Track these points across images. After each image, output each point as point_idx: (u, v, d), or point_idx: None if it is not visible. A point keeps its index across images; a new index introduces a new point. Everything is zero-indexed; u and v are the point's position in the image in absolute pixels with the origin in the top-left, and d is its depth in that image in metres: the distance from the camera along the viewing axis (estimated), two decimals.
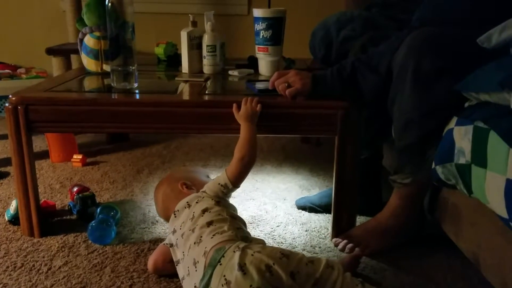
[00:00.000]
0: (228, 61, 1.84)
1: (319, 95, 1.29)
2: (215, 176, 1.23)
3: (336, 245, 1.32)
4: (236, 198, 1.61)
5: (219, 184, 1.18)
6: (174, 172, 1.40)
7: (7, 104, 1.27)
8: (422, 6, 1.27)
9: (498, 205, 0.90)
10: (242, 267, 0.92)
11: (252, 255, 0.94)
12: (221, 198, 1.17)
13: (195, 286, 0.99)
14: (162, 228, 1.41)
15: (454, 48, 1.12)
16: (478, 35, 1.02)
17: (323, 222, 1.48)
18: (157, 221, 1.46)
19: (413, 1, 1.30)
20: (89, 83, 1.56)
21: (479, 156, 0.96)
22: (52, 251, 1.29)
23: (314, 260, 0.99)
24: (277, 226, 1.45)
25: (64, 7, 2.63)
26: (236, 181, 1.18)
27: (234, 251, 0.96)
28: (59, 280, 1.15)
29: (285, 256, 0.96)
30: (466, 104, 1.08)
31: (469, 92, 1.04)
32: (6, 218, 1.44)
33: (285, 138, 2.33)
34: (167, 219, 1.25)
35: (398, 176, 1.25)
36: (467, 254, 1.11)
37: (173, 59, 1.89)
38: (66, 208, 1.54)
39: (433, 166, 1.13)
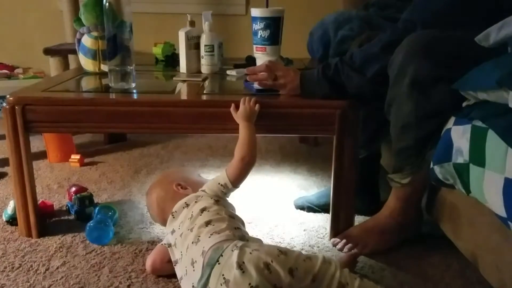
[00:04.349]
0: (226, 61, 1.84)
1: (309, 94, 1.30)
2: (206, 175, 1.23)
3: (335, 244, 1.32)
4: (235, 198, 1.60)
5: (219, 183, 1.18)
6: (164, 175, 1.39)
7: (4, 104, 1.26)
8: (408, 9, 1.27)
9: (496, 204, 0.90)
10: (240, 266, 0.92)
11: (250, 253, 0.94)
12: (220, 198, 1.17)
13: (193, 286, 0.99)
14: (160, 228, 1.41)
15: (452, 53, 1.11)
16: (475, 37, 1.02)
17: (322, 221, 1.48)
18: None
19: (409, 1, 1.30)
20: (87, 83, 1.56)
21: (477, 155, 0.96)
22: (50, 251, 1.28)
23: (311, 257, 0.99)
24: (275, 226, 1.45)
25: (61, 7, 2.62)
26: (236, 181, 1.18)
27: (232, 250, 0.96)
28: (57, 280, 1.15)
29: (282, 253, 0.97)
30: (464, 104, 1.08)
31: (467, 90, 1.04)
32: (4, 219, 1.44)
33: (283, 137, 2.33)
34: (163, 222, 1.23)
35: (397, 176, 1.25)
36: (465, 253, 1.11)
37: (171, 59, 1.89)
38: (64, 208, 1.54)
39: (431, 166, 1.13)
